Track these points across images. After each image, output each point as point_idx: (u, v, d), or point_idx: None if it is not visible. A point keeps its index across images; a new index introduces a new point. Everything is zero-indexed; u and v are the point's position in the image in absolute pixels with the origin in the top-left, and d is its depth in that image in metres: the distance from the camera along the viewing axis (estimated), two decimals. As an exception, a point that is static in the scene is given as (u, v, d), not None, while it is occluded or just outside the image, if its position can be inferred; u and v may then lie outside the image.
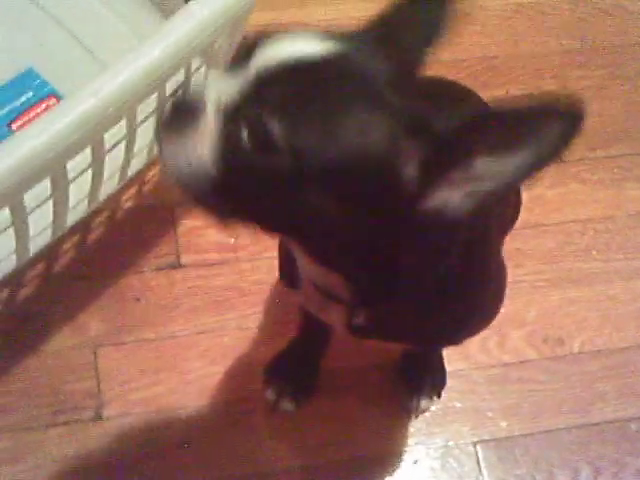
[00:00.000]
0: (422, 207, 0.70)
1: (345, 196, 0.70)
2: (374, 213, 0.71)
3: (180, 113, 0.73)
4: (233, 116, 0.70)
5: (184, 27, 1.07)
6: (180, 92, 0.76)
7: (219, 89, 0.72)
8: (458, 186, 0.69)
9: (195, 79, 1.24)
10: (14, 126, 1.38)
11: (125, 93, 0.99)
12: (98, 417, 1.28)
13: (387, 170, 0.70)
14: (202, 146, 0.71)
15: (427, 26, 0.77)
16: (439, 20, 0.77)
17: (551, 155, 0.66)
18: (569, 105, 0.66)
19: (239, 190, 0.72)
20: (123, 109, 1.04)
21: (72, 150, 1.02)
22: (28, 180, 1.00)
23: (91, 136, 1.04)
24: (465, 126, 0.69)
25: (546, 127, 0.65)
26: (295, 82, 0.69)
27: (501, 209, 1.04)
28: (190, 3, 1.09)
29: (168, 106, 0.75)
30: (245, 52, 0.73)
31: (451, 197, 0.70)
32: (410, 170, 0.70)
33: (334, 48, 0.70)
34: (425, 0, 0.77)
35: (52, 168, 1.05)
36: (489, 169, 0.68)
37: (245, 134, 0.69)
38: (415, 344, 1.10)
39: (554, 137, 0.66)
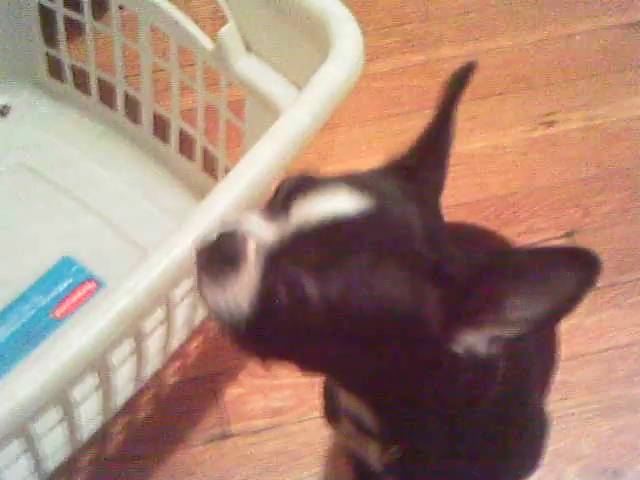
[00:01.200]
0: (450, 350, 0.72)
1: (376, 342, 0.72)
2: (404, 356, 0.73)
3: (221, 253, 0.75)
4: (272, 267, 0.72)
5: (217, 210, 1.09)
6: (218, 231, 0.77)
7: (260, 236, 0.74)
8: (485, 328, 0.71)
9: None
10: (55, 314, 1.42)
11: (161, 286, 1.02)
12: None
13: (414, 318, 0.72)
14: (242, 292, 0.73)
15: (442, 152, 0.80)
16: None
17: (570, 303, 0.67)
18: (586, 254, 0.67)
19: (276, 334, 0.74)
20: (160, 299, 1.07)
21: (114, 344, 1.05)
22: (76, 377, 1.03)
23: (130, 329, 1.07)
24: (483, 267, 0.72)
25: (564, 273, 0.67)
26: (332, 240, 0.71)
27: (542, 362, 1.04)
28: (222, 182, 1.12)
29: (205, 241, 0.77)
30: (285, 198, 0.75)
31: (478, 339, 0.71)
32: (436, 315, 0.72)
33: (369, 203, 0.72)
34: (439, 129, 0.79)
35: (97, 364, 1.08)
36: (516, 312, 0.69)
37: (283, 290, 0.71)
38: None
39: (571, 285, 0.67)
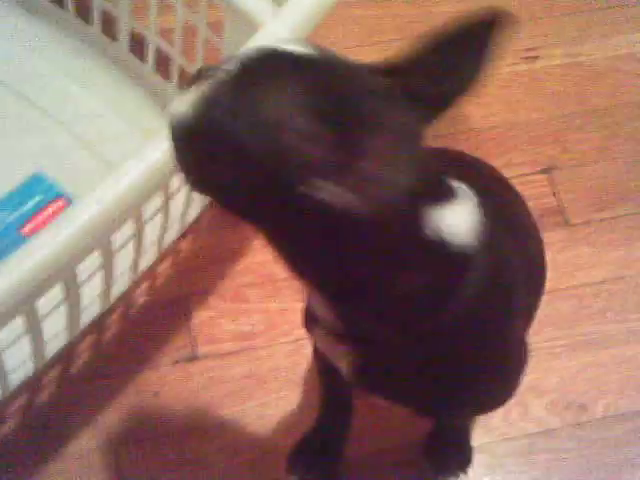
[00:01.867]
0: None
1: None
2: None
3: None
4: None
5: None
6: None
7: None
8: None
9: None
10: (24, 231, 1.40)
11: (129, 198, 1.01)
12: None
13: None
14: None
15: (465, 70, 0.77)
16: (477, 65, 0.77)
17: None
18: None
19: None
20: (128, 212, 1.05)
21: (80, 256, 1.03)
22: (40, 288, 1.02)
23: (98, 240, 1.05)
24: None
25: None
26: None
27: (527, 288, 0.99)
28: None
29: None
30: None
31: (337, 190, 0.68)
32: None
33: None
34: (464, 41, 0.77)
35: (62, 274, 1.06)
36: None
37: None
38: (424, 409, 1.03)
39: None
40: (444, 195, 0.76)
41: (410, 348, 0.83)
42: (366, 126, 0.68)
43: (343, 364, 0.92)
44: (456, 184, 0.78)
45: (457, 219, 0.76)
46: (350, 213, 0.67)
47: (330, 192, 0.67)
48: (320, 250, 0.75)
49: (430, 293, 0.78)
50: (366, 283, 0.77)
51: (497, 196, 1.00)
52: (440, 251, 0.75)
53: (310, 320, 0.97)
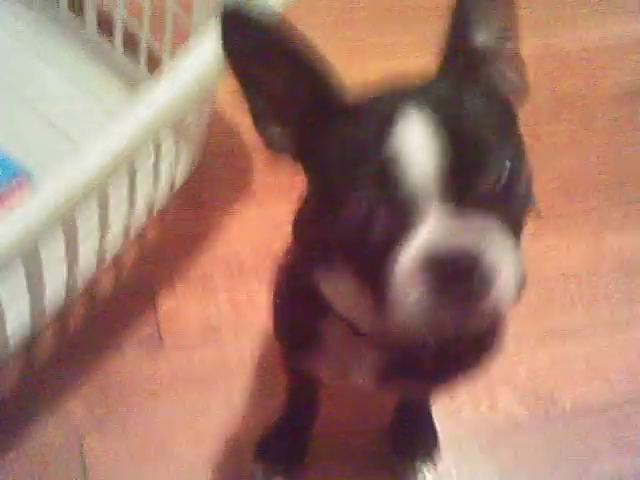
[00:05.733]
0: None
1: None
2: None
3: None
4: None
5: (152, 107, 1.05)
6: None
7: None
8: None
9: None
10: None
11: (92, 178, 0.98)
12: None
13: None
14: None
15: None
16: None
17: None
18: None
19: None
20: (92, 194, 1.03)
21: (43, 238, 1.01)
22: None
23: (63, 221, 1.03)
24: None
25: None
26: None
27: None
28: (158, 80, 1.08)
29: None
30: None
31: None
32: None
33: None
34: None
35: (24, 259, 1.03)
36: None
37: None
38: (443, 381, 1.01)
39: None
40: None
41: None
42: None
43: (361, 372, 0.91)
44: None
45: None
46: None
47: None
48: None
49: None
50: None
51: None
52: None
53: (309, 340, 0.93)
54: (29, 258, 1.05)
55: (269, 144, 0.79)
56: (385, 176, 0.68)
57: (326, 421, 1.30)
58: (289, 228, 0.94)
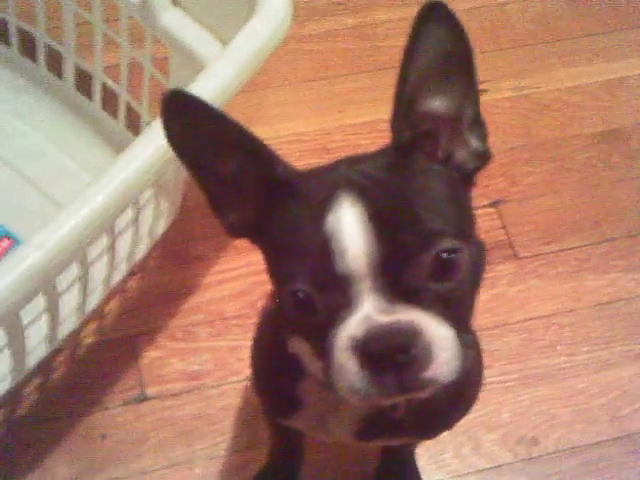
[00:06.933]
0: None
1: None
2: None
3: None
4: None
5: (132, 166, 1.06)
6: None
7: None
8: None
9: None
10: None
11: (71, 242, 0.99)
12: None
13: None
14: None
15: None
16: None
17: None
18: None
19: None
20: (71, 256, 1.03)
21: (23, 301, 1.01)
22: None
23: (42, 285, 1.04)
24: None
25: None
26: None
27: None
28: (140, 138, 1.10)
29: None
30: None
31: None
32: None
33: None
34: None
35: (5, 319, 1.04)
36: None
37: None
38: (422, 434, 1.03)
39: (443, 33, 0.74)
40: None
41: None
42: None
43: (341, 428, 0.92)
44: None
45: None
46: None
47: None
48: None
49: None
50: None
51: None
52: None
53: (290, 406, 0.94)
54: (9, 317, 1.05)
55: (229, 231, 0.81)
56: (322, 261, 0.70)
57: (312, 467, 1.30)
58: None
